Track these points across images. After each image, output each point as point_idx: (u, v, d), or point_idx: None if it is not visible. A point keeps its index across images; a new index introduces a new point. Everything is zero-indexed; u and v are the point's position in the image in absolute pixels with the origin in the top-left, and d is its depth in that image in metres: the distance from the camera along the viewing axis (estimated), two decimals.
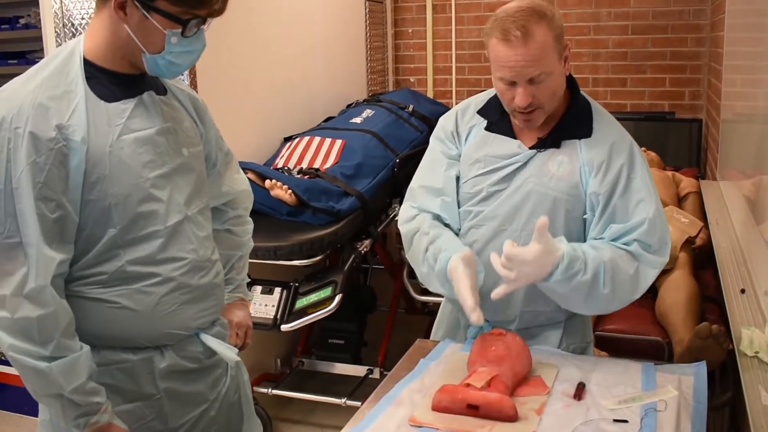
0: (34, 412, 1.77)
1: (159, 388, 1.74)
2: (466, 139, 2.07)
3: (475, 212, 2.02)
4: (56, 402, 1.59)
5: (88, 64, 1.64)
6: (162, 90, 1.78)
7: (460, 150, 2.07)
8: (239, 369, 1.98)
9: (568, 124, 1.98)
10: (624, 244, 1.89)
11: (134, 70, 1.68)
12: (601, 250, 1.87)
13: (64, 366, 1.55)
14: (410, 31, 5.47)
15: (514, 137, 2.01)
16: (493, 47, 1.84)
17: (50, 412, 1.69)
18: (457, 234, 2.05)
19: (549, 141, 1.97)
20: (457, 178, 2.06)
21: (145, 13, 1.57)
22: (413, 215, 2.08)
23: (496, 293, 1.80)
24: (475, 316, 1.80)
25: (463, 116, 2.10)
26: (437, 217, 2.06)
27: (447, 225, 2.05)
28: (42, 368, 1.54)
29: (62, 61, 1.62)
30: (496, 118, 2.04)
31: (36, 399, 1.62)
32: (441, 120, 2.15)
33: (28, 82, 1.59)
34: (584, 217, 1.95)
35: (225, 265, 2.03)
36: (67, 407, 1.58)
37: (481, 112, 2.08)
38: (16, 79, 1.63)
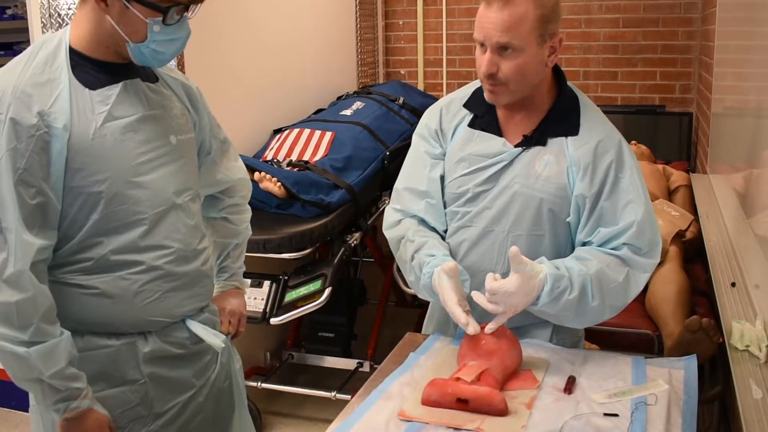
0: (21, 406, 1.76)
1: (143, 372, 1.75)
2: (452, 137, 2.03)
3: (462, 213, 1.99)
4: (36, 387, 1.61)
5: (74, 54, 1.65)
6: (153, 77, 1.79)
7: (445, 148, 2.03)
8: (230, 357, 1.99)
9: (554, 119, 1.94)
10: (613, 248, 1.88)
11: (121, 59, 1.69)
12: (586, 262, 1.85)
13: (43, 351, 1.56)
14: (401, 23, 5.46)
15: (500, 134, 1.97)
16: (479, 10, 1.84)
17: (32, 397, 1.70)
18: (443, 236, 2.03)
19: (534, 139, 1.94)
20: (442, 177, 2.03)
21: (126, 2, 1.58)
22: (397, 220, 2.05)
23: (489, 329, 1.79)
24: (471, 329, 1.79)
25: (447, 113, 2.05)
26: (422, 221, 2.03)
27: (432, 228, 2.03)
28: (21, 353, 1.55)
29: (50, 51, 1.63)
30: (483, 111, 2.00)
31: (16, 384, 1.63)
32: (424, 116, 2.11)
33: (12, 70, 1.61)
34: (567, 220, 1.93)
35: (221, 253, 2.07)
36: (47, 392, 1.60)
37: (467, 105, 2.04)
38: (2, 68, 1.64)
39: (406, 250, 1.99)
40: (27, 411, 1.78)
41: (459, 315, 1.81)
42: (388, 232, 2.07)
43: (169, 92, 1.83)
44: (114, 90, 1.67)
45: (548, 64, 1.89)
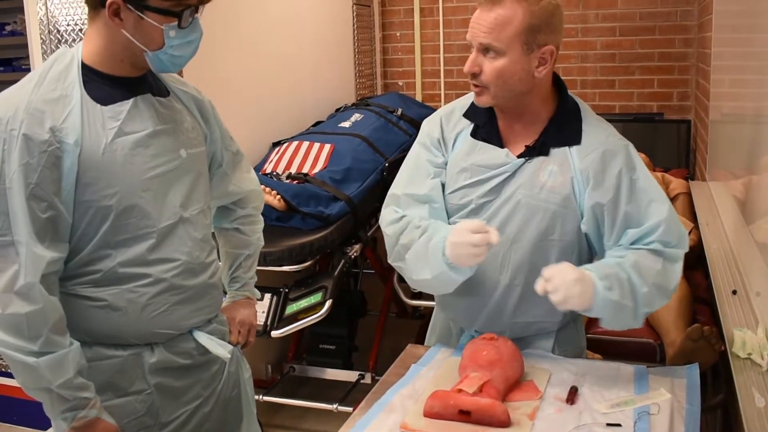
0: (21, 422, 1.77)
1: (149, 383, 1.77)
2: (453, 146, 2.01)
3: None
4: (45, 396, 1.63)
5: (86, 69, 1.68)
6: (164, 92, 1.82)
7: (447, 158, 2.02)
8: (239, 366, 2.01)
9: (555, 129, 1.93)
10: (644, 244, 1.87)
11: (134, 72, 1.72)
12: (621, 257, 1.84)
13: (51, 361, 1.59)
14: (398, 34, 5.47)
15: (502, 145, 1.96)
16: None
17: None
18: None
19: (537, 149, 1.92)
20: (443, 186, 2.01)
21: (140, 14, 1.61)
22: (399, 217, 2.00)
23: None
24: (494, 236, 1.75)
25: (448, 122, 2.04)
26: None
27: None
28: (30, 363, 1.58)
29: (63, 67, 1.67)
30: (484, 121, 1.99)
31: (26, 392, 1.66)
32: (425, 125, 2.09)
33: (25, 86, 1.64)
34: (581, 228, 1.90)
35: (232, 263, 2.10)
36: (56, 401, 1.63)
37: (467, 114, 2.03)
38: (16, 84, 1.67)
39: (412, 234, 1.93)
40: (28, 426, 1.79)
41: (479, 226, 1.77)
42: (390, 228, 2.00)
43: (180, 106, 1.85)
44: (125, 106, 1.69)
45: (536, 75, 1.86)
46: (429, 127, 2.07)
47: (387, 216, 2.04)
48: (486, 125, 1.99)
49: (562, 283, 1.72)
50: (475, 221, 1.80)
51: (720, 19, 3.63)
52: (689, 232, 3.18)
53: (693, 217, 3.47)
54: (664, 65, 4.90)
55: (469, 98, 2.05)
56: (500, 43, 1.81)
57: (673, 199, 3.70)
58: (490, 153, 1.96)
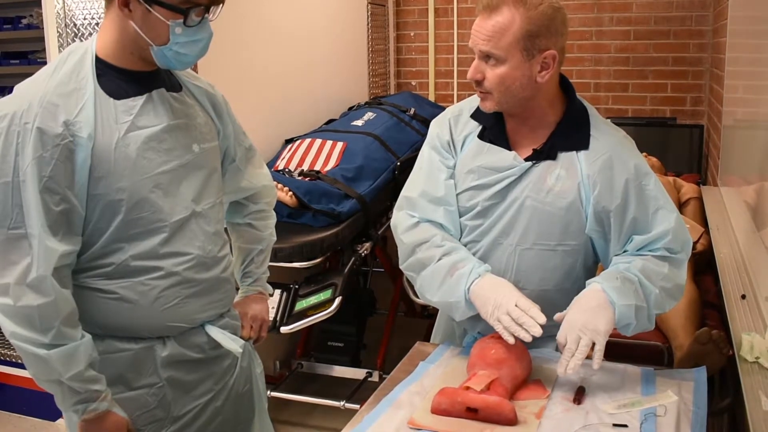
0: (31, 412, 1.78)
1: (161, 376, 1.78)
2: (462, 148, 2.01)
3: (471, 227, 1.97)
4: (56, 387, 1.65)
5: (100, 62, 1.69)
6: (177, 86, 1.82)
7: (456, 160, 2.02)
8: (251, 361, 2.02)
9: (563, 133, 1.92)
10: (649, 251, 1.89)
11: (146, 67, 1.73)
12: (628, 263, 1.86)
13: (63, 354, 1.60)
14: (412, 34, 5.48)
15: (509, 147, 1.95)
16: None
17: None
18: None
19: (544, 153, 1.91)
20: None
21: (148, 6, 1.62)
22: (415, 222, 2.00)
23: (597, 366, 1.77)
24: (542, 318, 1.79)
25: (456, 124, 2.03)
26: (440, 227, 1.98)
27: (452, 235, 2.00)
28: (41, 355, 1.59)
29: (77, 60, 1.68)
30: (491, 123, 1.98)
31: (37, 384, 1.67)
32: (434, 127, 2.08)
33: (40, 79, 1.65)
34: (587, 233, 1.91)
35: (245, 258, 2.11)
36: (67, 393, 1.64)
37: (475, 116, 2.02)
38: (30, 77, 1.68)
39: (431, 252, 1.94)
40: (37, 417, 1.81)
41: (527, 305, 1.80)
42: (406, 235, 2.00)
43: (193, 101, 1.85)
44: (138, 101, 1.70)
45: (538, 80, 1.85)
46: (439, 129, 2.06)
47: (402, 221, 2.03)
48: (493, 127, 1.98)
49: (581, 331, 1.76)
50: (535, 309, 1.80)
51: (735, 24, 3.63)
52: (700, 237, 3.18)
53: (704, 221, 3.47)
54: (678, 70, 4.90)
55: (476, 99, 2.02)
56: (500, 51, 1.80)
57: (684, 204, 3.70)
58: (497, 155, 1.95)
